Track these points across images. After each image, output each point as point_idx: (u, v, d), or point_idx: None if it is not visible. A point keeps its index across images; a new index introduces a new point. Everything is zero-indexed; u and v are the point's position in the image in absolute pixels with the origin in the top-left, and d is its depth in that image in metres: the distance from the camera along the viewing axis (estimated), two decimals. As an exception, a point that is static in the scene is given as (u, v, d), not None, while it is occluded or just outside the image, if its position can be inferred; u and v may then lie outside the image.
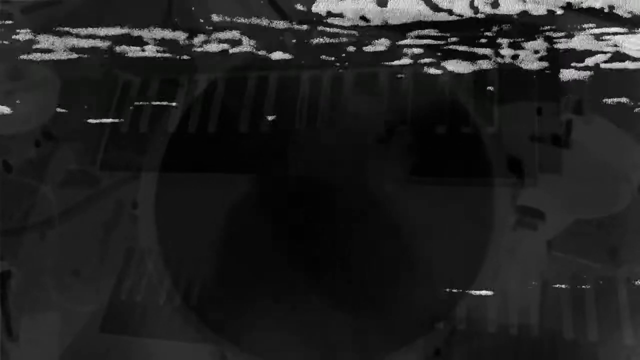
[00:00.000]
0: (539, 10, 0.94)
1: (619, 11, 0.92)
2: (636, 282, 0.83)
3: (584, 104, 0.89)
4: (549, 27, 0.93)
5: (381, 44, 1.00)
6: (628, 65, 0.89)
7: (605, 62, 0.90)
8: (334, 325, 0.91)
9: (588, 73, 0.90)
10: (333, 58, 1.02)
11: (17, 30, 1.13)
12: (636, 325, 0.82)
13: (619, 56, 0.90)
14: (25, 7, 1.15)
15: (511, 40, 0.94)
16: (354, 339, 0.90)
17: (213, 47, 1.06)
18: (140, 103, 1.08)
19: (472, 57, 0.96)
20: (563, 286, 0.85)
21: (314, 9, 1.03)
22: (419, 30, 0.98)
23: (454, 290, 0.87)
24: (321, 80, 1.01)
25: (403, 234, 0.91)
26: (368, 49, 1.01)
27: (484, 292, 0.86)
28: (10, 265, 1.05)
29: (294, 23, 1.04)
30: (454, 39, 0.97)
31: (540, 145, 0.89)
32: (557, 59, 0.92)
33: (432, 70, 0.97)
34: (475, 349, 0.86)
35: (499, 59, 0.94)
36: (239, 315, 0.94)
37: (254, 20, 1.04)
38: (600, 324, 0.83)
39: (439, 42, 0.97)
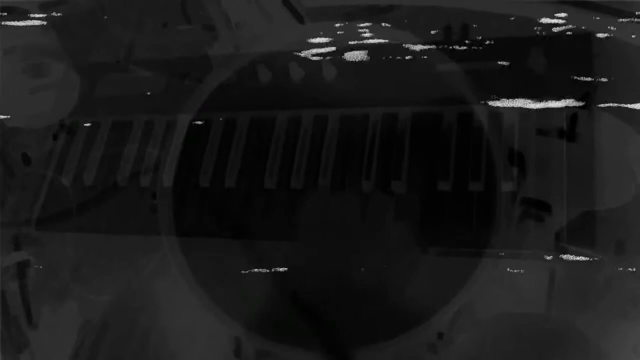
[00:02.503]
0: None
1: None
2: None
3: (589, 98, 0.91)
4: None
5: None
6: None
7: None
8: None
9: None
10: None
11: (36, 27, 1.15)
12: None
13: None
14: (43, 3, 1.17)
15: None
16: (360, 323, 0.92)
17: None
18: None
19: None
20: (569, 277, 0.87)
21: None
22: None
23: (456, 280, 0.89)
24: None
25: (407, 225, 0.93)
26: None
27: (487, 282, 0.88)
28: (29, 255, 1.07)
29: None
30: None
31: (545, 138, 0.91)
32: None
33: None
34: (478, 335, 0.88)
35: None
36: (255, 299, 0.96)
37: None
38: (606, 316, 0.85)
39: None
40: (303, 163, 0.98)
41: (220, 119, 1.05)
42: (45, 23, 1.15)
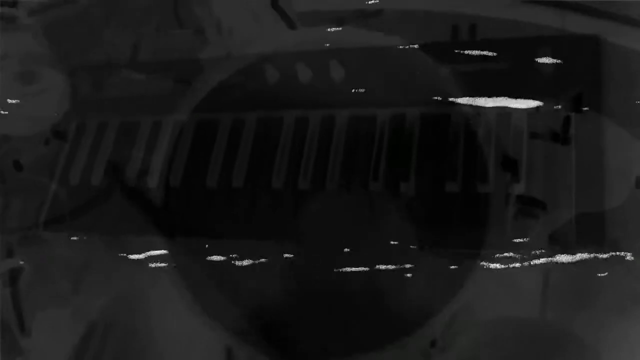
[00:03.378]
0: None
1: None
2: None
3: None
4: None
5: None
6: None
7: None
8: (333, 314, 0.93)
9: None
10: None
11: (25, 33, 1.15)
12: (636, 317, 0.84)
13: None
14: (32, 9, 1.16)
15: None
16: (351, 330, 0.92)
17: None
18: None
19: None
20: (565, 278, 0.87)
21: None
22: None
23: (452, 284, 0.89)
24: None
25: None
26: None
27: (483, 285, 0.88)
28: (22, 262, 1.06)
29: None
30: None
31: (539, 141, 0.91)
32: None
33: None
34: (472, 340, 0.88)
35: None
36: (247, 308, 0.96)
37: None
38: (602, 316, 0.85)
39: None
40: (310, 164, 0.98)
41: (217, 119, 1.05)
42: (35, 29, 1.15)
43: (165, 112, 1.07)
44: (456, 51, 0.99)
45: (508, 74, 0.95)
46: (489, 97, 0.94)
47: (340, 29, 1.05)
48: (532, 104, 0.92)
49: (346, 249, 0.93)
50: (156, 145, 1.06)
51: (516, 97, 0.93)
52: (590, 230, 0.86)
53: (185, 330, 0.97)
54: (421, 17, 1.02)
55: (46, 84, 1.13)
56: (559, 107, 0.91)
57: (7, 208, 1.10)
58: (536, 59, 0.94)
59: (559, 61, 0.94)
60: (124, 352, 1.00)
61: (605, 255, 0.85)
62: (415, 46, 0.99)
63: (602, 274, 0.85)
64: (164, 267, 1.00)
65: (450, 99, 0.96)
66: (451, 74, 0.97)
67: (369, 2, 1.04)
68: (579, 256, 0.86)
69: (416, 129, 0.95)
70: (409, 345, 0.89)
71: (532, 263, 0.87)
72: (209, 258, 0.98)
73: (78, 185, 1.08)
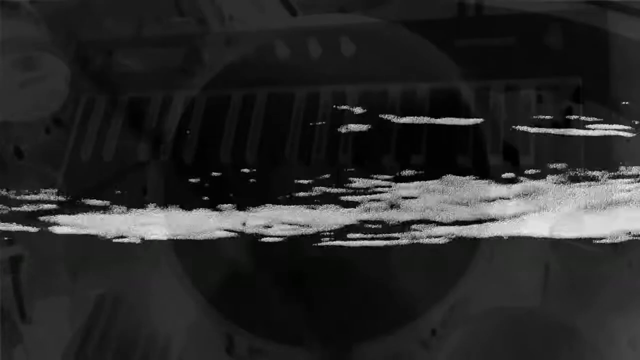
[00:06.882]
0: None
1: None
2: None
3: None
4: None
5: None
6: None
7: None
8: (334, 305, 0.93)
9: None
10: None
11: (26, 20, 1.15)
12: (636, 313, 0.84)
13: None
14: (34, -4, 1.16)
15: None
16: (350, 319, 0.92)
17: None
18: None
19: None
20: (564, 271, 0.87)
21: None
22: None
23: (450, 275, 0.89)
24: None
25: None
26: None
27: (482, 277, 0.88)
28: (22, 250, 1.07)
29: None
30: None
31: (540, 132, 0.91)
32: None
33: None
34: (472, 330, 0.88)
35: None
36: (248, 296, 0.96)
37: None
38: (601, 310, 0.85)
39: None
40: (324, 139, 0.98)
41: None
42: (36, 16, 1.15)
43: (176, 87, 1.06)
44: (463, 28, 0.99)
45: (516, 51, 0.95)
46: (497, 73, 0.94)
47: (342, 16, 1.04)
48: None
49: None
50: (167, 121, 1.05)
51: (524, 75, 0.93)
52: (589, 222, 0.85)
53: (186, 319, 0.97)
54: (426, 5, 1.01)
55: (47, 71, 1.13)
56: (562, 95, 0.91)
57: (7, 195, 1.10)
58: (544, 37, 0.94)
59: (567, 40, 0.94)
60: (120, 341, 1.00)
61: (606, 248, 0.85)
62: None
63: (603, 267, 0.85)
64: (165, 256, 0.99)
65: (460, 75, 0.96)
66: (460, 50, 0.97)
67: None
68: (580, 247, 0.86)
69: (427, 104, 0.95)
70: (409, 334, 0.89)
71: (532, 257, 0.87)
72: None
73: (82, 175, 1.08)
